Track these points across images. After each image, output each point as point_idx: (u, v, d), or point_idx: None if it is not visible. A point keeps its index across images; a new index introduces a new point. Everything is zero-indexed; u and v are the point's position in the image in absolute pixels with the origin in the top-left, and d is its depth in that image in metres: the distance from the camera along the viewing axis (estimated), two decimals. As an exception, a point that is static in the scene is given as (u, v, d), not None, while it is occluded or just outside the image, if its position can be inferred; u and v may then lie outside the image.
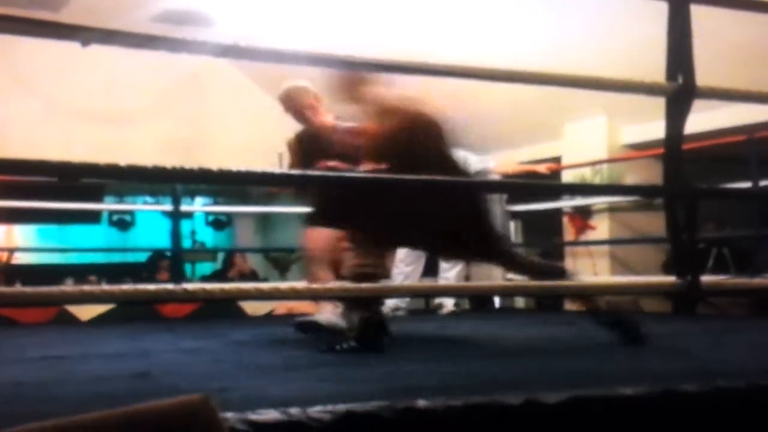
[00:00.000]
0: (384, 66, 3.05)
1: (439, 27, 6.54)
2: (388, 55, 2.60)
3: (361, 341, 3.60)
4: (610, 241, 6.81)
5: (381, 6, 6.61)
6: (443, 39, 6.46)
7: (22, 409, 2.12)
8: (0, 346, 4.29)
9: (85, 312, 6.10)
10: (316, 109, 4.65)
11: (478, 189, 3.93)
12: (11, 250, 10.61)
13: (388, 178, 3.41)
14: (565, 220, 7.15)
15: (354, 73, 3.98)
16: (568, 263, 7.13)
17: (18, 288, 3.66)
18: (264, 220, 10.82)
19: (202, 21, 7.27)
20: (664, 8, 2.52)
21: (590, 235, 6.92)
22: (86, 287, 2.57)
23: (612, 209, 6.79)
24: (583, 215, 6.93)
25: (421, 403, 1.92)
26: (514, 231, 8.19)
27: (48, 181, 4.88)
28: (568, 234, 7.13)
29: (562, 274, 3.89)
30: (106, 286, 3.63)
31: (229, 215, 10.98)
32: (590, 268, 6.84)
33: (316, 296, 4.91)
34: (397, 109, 3.83)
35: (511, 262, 3.99)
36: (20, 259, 10.50)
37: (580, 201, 6.87)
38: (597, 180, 6.69)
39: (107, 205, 9.69)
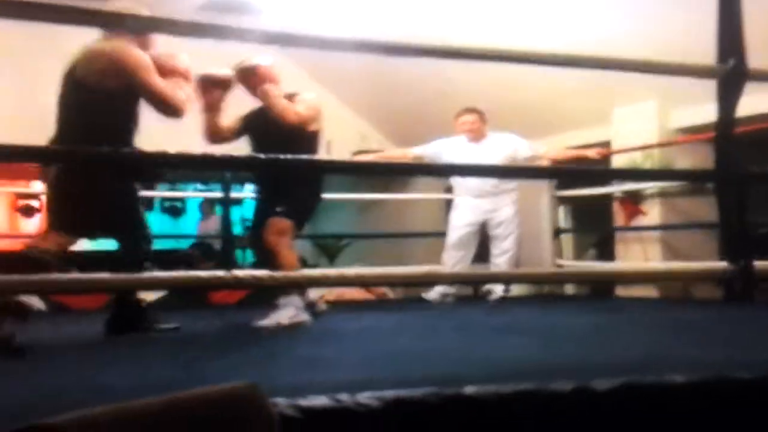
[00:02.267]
0: (431, 51, 3.04)
1: (489, 17, 6.50)
2: (439, 41, 2.59)
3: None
4: (662, 227, 6.72)
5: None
6: (493, 29, 6.43)
7: (71, 395, 2.16)
8: (52, 333, 4.37)
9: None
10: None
11: (530, 176, 3.87)
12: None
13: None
14: (616, 205, 7.07)
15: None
16: (620, 249, 7.06)
17: (71, 275, 3.73)
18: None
19: (247, 9, 7.31)
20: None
21: (641, 221, 6.83)
22: (137, 274, 2.61)
23: (663, 194, 6.70)
24: (633, 200, 6.85)
25: (470, 389, 1.92)
26: (563, 217, 8.14)
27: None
28: (619, 219, 7.05)
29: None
30: (157, 273, 3.68)
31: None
32: (641, 254, 6.76)
33: (364, 282, 4.95)
34: None
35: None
36: (75, 246, 10.68)
37: (630, 186, 6.79)
38: (647, 165, 6.59)
39: (159, 192, 9.81)
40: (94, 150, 2.96)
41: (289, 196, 4.40)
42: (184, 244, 9.84)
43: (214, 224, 9.59)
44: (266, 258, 4.35)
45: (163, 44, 3.83)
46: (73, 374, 2.73)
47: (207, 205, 9.69)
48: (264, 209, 4.59)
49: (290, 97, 4.57)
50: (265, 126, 4.39)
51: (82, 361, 3.21)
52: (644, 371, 2.19)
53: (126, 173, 3.78)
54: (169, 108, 3.68)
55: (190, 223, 11.03)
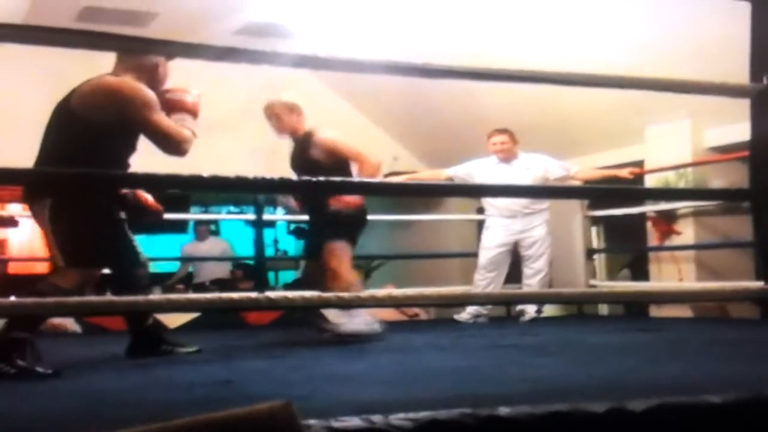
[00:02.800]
0: (462, 73, 3.05)
1: (520, 32, 6.51)
2: (470, 61, 2.60)
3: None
4: (696, 246, 6.65)
5: (462, 13, 6.61)
6: (523, 44, 6.43)
7: (108, 415, 2.18)
8: (89, 353, 4.42)
9: (173, 319, 6.25)
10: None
11: (562, 196, 3.86)
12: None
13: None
14: (649, 225, 7.02)
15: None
16: (653, 269, 7.00)
17: (107, 297, 3.77)
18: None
19: (281, 33, 7.39)
20: (740, 7, 2.47)
21: (675, 240, 6.78)
22: (173, 295, 2.63)
23: (697, 213, 6.64)
24: (667, 220, 6.79)
25: (504, 410, 1.91)
26: (595, 236, 8.09)
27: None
28: (653, 239, 7.00)
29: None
30: (192, 294, 3.71)
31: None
32: (675, 273, 6.70)
33: (396, 303, 4.93)
34: None
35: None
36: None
37: (664, 205, 6.74)
38: (681, 184, 6.55)
39: (192, 215, 9.89)
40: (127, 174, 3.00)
41: (332, 218, 4.49)
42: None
43: (208, 246, 9.63)
44: (317, 283, 4.44)
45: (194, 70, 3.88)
46: (111, 393, 2.75)
47: (203, 228, 9.72)
48: (316, 236, 4.68)
49: (308, 135, 4.70)
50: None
51: (118, 379, 3.25)
52: (680, 391, 2.17)
53: (112, 203, 3.77)
54: (170, 145, 3.63)
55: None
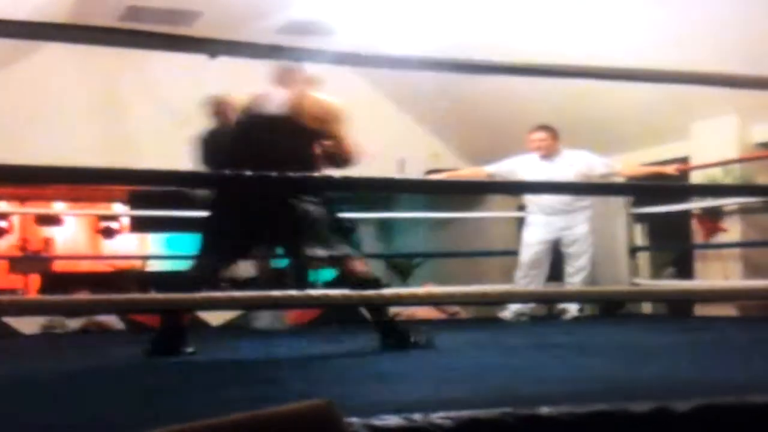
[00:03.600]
0: (504, 69, 3.04)
1: (555, 24, 6.46)
2: (511, 56, 2.59)
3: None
4: (742, 244, 6.55)
5: (503, 6, 6.58)
6: (559, 37, 6.38)
7: (151, 413, 2.20)
8: (133, 352, 4.46)
9: (216, 317, 6.31)
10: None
11: (605, 192, 3.84)
12: (145, 258, 11.08)
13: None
14: (694, 222, 6.92)
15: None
16: (698, 267, 6.91)
17: (151, 294, 3.82)
18: (385, 225, 10.91)
19: (323, 30, 7.41)
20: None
21: (721, 238, 6.68)
22: (215, 293, 2.65)
23: (744, 210, 6.54)
24: (713, 217, 6.70)
25: (545, 410, 1.90)
26: (639, 234, 8.00)
27: (179, 190, 5.06)
28: (698, 237, 6.90)
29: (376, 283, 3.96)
30: (234, 293, 3.74)
31: (352, 221, 11.09)
32: (721, 271, 6.60)
33: (436, 301, 4.95)
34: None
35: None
36: (153, 266, 10.93)
37: (710, 202, 6.65)
38: (728, 180, 6.45)
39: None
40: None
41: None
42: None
43: None
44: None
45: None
46: (153, 391, 2.78)
47: None
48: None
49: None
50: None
51: (159, 377, 3.28)
52: (724, 391, 2.13)
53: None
54: (348, 157, 4.07)
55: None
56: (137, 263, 10.84)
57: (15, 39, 3.49)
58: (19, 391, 2.81)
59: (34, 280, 9.97)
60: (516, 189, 5.60)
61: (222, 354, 4.31)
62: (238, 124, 4.23)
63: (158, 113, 7.29)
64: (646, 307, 7.59)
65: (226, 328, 6.22)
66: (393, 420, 1.81)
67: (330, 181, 3.21)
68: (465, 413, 1.85)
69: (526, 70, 3.17)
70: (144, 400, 2.53)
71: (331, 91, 4.50)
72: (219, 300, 3.07)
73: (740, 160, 6.46)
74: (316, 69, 4.07)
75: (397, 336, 3.98)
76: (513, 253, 6.77)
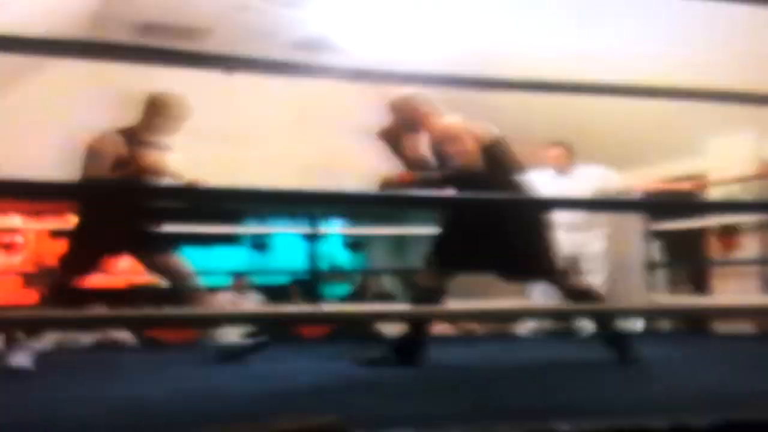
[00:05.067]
0: (515, 85, 3.02)
1: (562, 36, 6.44)
2: (521, 72, 2.57)
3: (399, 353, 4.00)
4: (760, 261, 6.50)
5: (512, 21, 6.58)
6: (567, 47, 6.37)
7: (160, 426, 2.18)
8: (143, 366, 4.46)
9: (228, 332, 6.29)
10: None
11: (621, 208, 3.85)
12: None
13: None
14: (712, 238, 6.88)
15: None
16: (715, 283, 6.85)
17: (162, 309, 3.81)
18: (398, 241, 10.89)
19: (336, 47, 7.43)
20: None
21: (739, 254, 6.63)
22: (227, 308, 2.64)
23: (761, 227, 6.49)
24: (730, 233, 6.65)
25: (563, 427, 1.88)
26: (656, 250, 7.95)
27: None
28: (715, 253, 6.85)
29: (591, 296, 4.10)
30: (245, 307, 3.73)
31: (365, 237, 11.10)
32: (738, 288, 6.55)
33: (449, 317, 4.92)
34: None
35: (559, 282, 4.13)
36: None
37: (727, 218, 6.61)
38: (745, 197, 6.40)
39: (246, 227, 9.96)
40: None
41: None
42: (273, 280, 9.92)
43: None
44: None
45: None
46: (164, 404, 2.76)
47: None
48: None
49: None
50: None
51: (170, 390, 3.26)
52: (744, 408, 2.10)
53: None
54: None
55: (279, 258, 11.16)
56: (152, 278, 10.85)
57: (31, 55, 3.51)
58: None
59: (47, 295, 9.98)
60: (531, 205, 5.57)
61: (231, 367, 4.29)
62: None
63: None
64: (664, 324, 7.53)
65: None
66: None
67: (341, 196, 3.19)
68: (476, 426, 1.84)
69: (539, 86, 3.16)
70: (148, 413, 2.52)
71: (342, 106, 4.51)
72: (231, 315, 3.06)
73: (757, 177, 6.41)
74: (327, 84, 4.07)
75: (619, 347, 4.03)
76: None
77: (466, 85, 2.88)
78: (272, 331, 6.08)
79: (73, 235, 4.29)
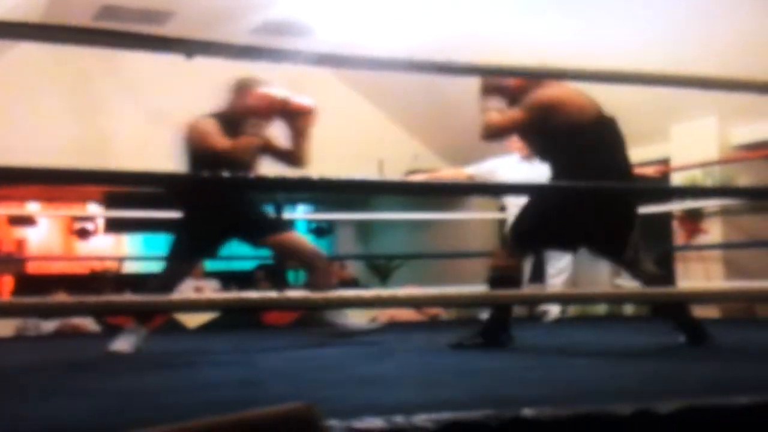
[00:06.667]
0: (483, 69, 3.01)
1: (537, 22, 6.45)
2: (491, 56, 2.56)
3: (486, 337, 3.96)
4: (723, 246, 6.57)
5: (483, 5, 6.57)
6: (541, 35, 6.37)
7: (129, 415, 2.16)
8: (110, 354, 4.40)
9: (192, 320, 6.24)
10: None
11: (585, 193, 3.84)
12: (120, 260, 11.00)
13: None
14: (675, 224, 6.94)
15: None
16: (679, 268, 6.92)
17: (127, 297, 3.77)
18: (364, 227, 10.88)
19: (301, 31, 7.37)
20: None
21: (702, 239, 6.70)
22: (191, 295, 2.61)
23: (724, 212, 6.56)
24: (694, 219, 6.71)
25: (528, 412, 1.87)
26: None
27: (154, 191, 5.01)
28: (679, 238, 6.92)
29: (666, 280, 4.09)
30: (210, 294, 3.70)
31: (330, 223, 11.07)
32: (702, 273, 6.62)
33: (416, 303, 4.92)
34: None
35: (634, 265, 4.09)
36: (129, 268, 10.86)
37: (690, 204, 6.66)
38: (708, 182, 6.47)
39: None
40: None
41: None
42: (238, 266, 9.85)
43: None
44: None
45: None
46: (134, 394, 2.73)
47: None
48: None
49: None
50: None
51: (141, 380, 3.23)
52: (707, 393, 2.12)
53: None
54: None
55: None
56: (112, 264, 10.76)
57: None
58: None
59: (7, 281, 9.87)
60: (496, 190, 5.57)
61: (198, 356, 4.25)
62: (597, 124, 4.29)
63: (134, 112, 7.23)
64: (628, 309, 7.61)
65: (203, 329, 6.16)
66: (374, 422, 1.79)
67: (306, 182, 3.16)
68: (446, 415, 1.83)
69: (506, 71, 3.15)
70: (121, 403, 2.48)
71: (308, 92, 4.46)
72: (196, 303, 3.03)
73: (720, 162, 6.48)
74: (293, 70, 4.03)
75: (691, 331, 4.02)
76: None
77: (434, 71, 2.86)
78: (237, 318, 6.07)
79: (182, 224, 4.27)
